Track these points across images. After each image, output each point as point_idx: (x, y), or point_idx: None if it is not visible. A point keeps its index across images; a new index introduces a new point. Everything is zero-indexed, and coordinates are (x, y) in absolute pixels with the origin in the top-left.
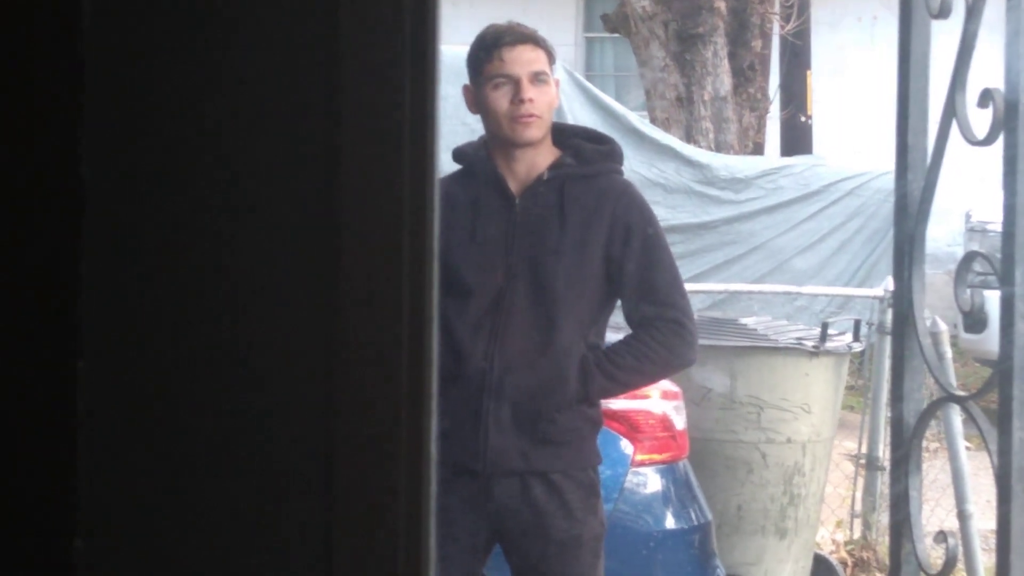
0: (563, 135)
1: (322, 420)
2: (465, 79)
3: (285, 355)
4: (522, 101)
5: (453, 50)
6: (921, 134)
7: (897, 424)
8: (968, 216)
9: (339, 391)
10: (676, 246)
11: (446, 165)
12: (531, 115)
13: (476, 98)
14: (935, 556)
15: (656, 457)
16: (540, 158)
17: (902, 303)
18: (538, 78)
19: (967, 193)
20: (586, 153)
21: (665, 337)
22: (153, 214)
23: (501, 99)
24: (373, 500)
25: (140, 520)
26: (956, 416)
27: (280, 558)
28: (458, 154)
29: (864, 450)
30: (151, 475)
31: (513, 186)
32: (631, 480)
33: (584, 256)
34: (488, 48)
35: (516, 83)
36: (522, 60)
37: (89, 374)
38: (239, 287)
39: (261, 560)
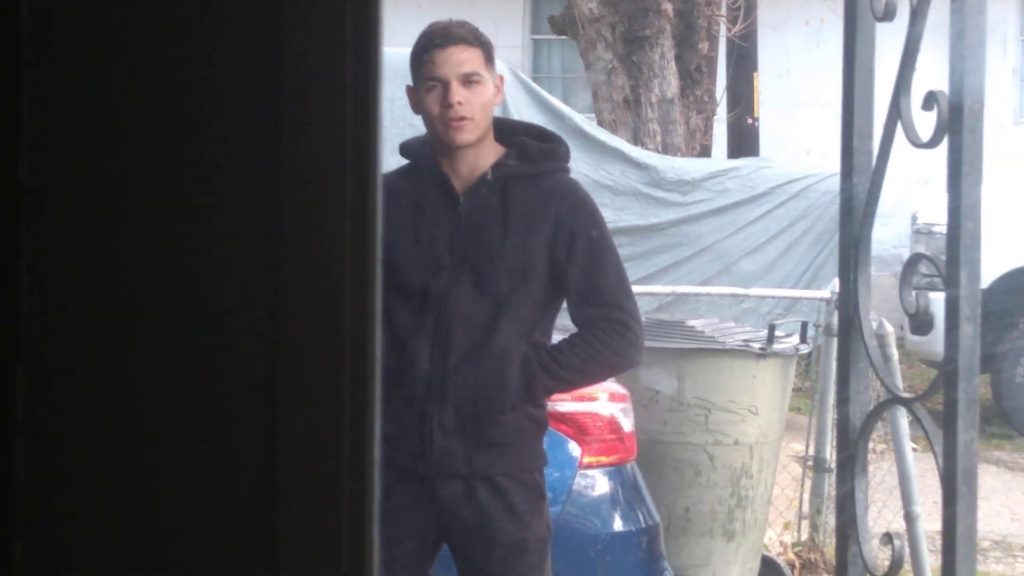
0: (508, 132)
1: (265, 424)
2: (410, 80)
3: (227, 358)
4: (450, 105)
5: (398, 52)
6: (866, 137)
7: (843, 426)
8: (914, 218)
9: (282, 395)
10: (623, 248)
11: (391, 167)
12: (461, 118)
13: (415, 99)
14: (882, 558)
15: (604, 459)
16: (483, 157)
17: (848, 306)
18: (469, 79)
19: (913, 195)
20: (530, 151)
21: (609, 337)
22: (92, 218)
23: (433, 102)
24: (317, 505)
25: (79, 525)
26: (903, 418)
27: (225, 561)
28: (405, 148)
29: (811, 452)
30: (90, 479)
31: (457, 185)
32: (579, 482)
33: (528, 258)
34: (422, 50)
35: (446, 86)
36: (452, 62)
37: (27, 378)
38: (179, 291)
39: (204, 565)
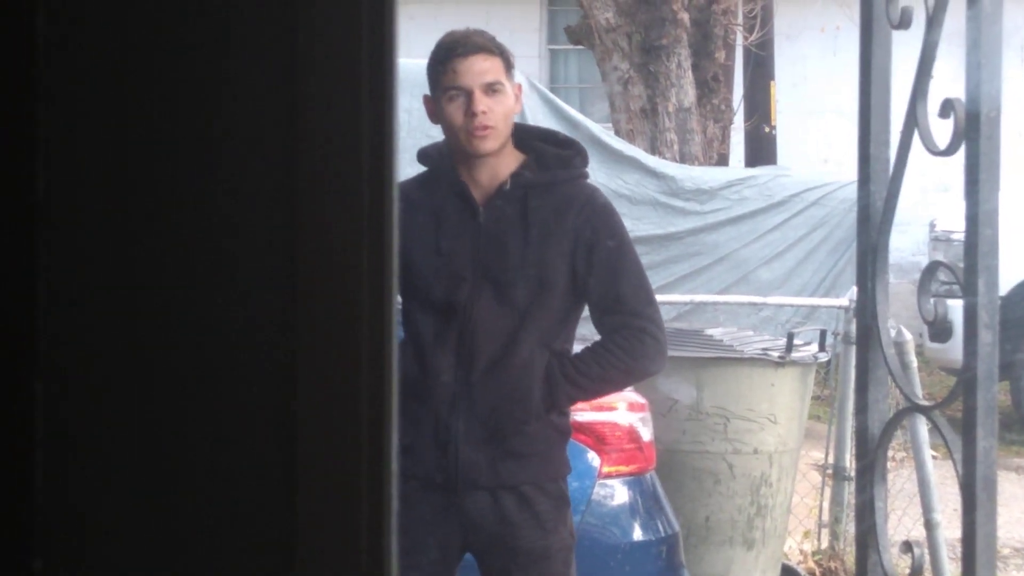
0: (525, 137)
1: (284, 436)
2: (427, 91)
3: (245, 370)
4: (474, 114)
5: (414, 63)
6: (883, 144)
7: (862, 434)
8: (932, 225)
9: (300, 407)
10: (641, 257)
11: (407, 178)
12: (485, 127)
13: (435, 109)
14: (902, 566)
15: (623, 469)
16: (502, 165)
17: (866, 314)
18: (492, 88)
19: (931, 202)
20: (548, 159)
21: (631, 345)
22: (111, 234)
23: (456, 111)
24: (336, 517)
25: (99, 540)
26: (922, 425)
27: (244, 574)
28: (423, 156)
29: (831, 460)
30: (110, 495)
31: (477, 195)
32: (598, 492)
33: (548, 267)
34: (442, 60)
35: (469, 95)
36: (474, 71)
37: (48, 395)
38: (198, 307)
39: None
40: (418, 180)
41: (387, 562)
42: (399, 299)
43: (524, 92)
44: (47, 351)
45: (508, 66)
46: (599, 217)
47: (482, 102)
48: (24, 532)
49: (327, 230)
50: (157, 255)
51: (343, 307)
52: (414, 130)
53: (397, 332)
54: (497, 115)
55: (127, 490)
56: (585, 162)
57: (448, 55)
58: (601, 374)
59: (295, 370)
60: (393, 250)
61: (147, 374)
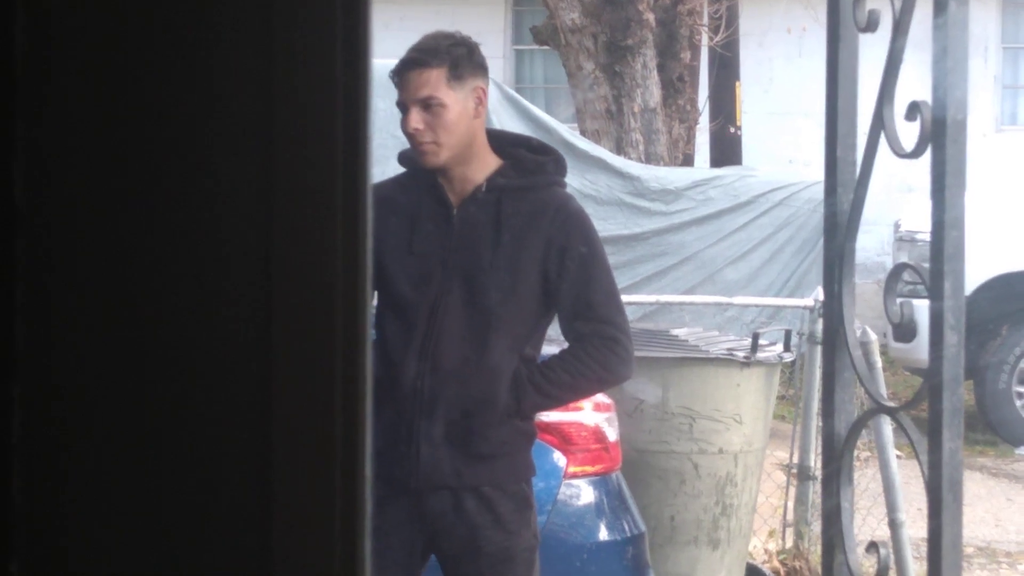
0: (504, 144)
1: (259, 442)
2: (390, 90)
3: (220, 376)
4: (407, 133)
5: (379, 63)
6: (850, 147)
7: (828, 439)
8: (897, 226)
9: (275, 413)
10: (607, 257)
11: (378, 179)
12: (422, 143)
13: None
14: (867, 565)
15: (589, 469)
16: (474, 170)
17: (832, 318)
18: (427, 103)
19: (895, 203)
20: (525, 164)
21: (600, 353)
22: (88, 240)
23: (403, 126)
24: (310, 521)
25: (76, 544)
26: (887, 425)
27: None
28: (403, 158)
29: (796, 460)
30: (87, 500)
31: (452, 197)
32: (564, 492)
33: (519, 272)
34: (394, 71)
35: (407, 111)
36: (409, 88)
37: (24, 399)
38: (174, 312)
39: None
40: (397, 180)
41: (360, 566)
42: (374, 300)
43: (490, 93)
44: (24, 355)
45: (455, 74)
46: (572, 223)
47: (415, 119)
48: (0, 536)
49: (302, 236)
50: (133, 260)
51: (317, 310)
52: (379, 131)
53: (371, 333)
54: (436, 130)
55: (103, 495)
56: (562, 170)
57: (395, 69)
58: (570, 383)
59: (270, 373)
60: (367, 254)
61: (123, 379)
